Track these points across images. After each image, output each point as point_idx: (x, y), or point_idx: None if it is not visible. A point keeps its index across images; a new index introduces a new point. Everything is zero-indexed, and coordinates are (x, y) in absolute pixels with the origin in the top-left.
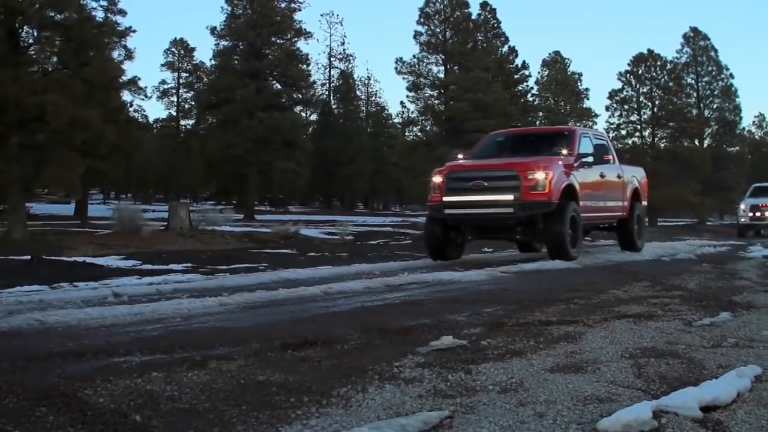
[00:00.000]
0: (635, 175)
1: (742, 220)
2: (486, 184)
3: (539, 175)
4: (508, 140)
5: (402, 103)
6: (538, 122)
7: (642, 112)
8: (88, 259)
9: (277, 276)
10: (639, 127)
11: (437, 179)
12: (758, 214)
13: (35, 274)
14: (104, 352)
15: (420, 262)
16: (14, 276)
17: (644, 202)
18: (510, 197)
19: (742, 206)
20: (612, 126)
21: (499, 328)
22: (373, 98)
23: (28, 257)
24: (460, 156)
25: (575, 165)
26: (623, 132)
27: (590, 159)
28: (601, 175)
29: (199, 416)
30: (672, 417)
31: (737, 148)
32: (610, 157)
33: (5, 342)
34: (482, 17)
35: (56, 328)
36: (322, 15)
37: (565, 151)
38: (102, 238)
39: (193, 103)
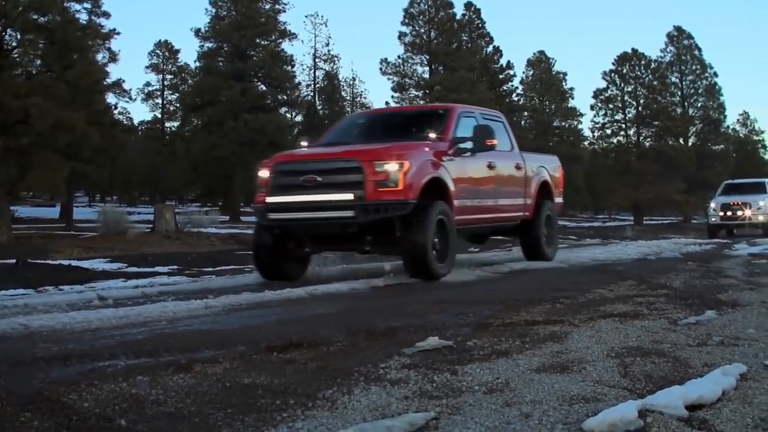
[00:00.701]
0: (545, 166)
1: (713, 219)
2: (320, 179)
3: (390, 167)
4: (370, 122)
5: (387, 103)
6: (522, 122)
7: (627, 111)
8: (74, 263)
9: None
10: (624, 126)
11: (263, 174)
12: (729, 213)
13: (20, 278)
14: (89, 356)
15: None
16: None
17: (558, 199)
18: (349, 196)
19: (713, 205)
20: (597, 125)
21: (485, 328)
22: (359, 99)
23: (13, 261)
24: (304, 143)
25: (449, 152)
26: (608, 131)
27: (469, 144)
28: (490, 167)
29: (184, 420)
30: (658, 416)
31: (722, 146)
32: (496, 142)
33: None
34: (467, 17)
35: (41, 332)
36: (306, 16)
37: (433, 135)
38: (87, 241)
39: (177, 105)
